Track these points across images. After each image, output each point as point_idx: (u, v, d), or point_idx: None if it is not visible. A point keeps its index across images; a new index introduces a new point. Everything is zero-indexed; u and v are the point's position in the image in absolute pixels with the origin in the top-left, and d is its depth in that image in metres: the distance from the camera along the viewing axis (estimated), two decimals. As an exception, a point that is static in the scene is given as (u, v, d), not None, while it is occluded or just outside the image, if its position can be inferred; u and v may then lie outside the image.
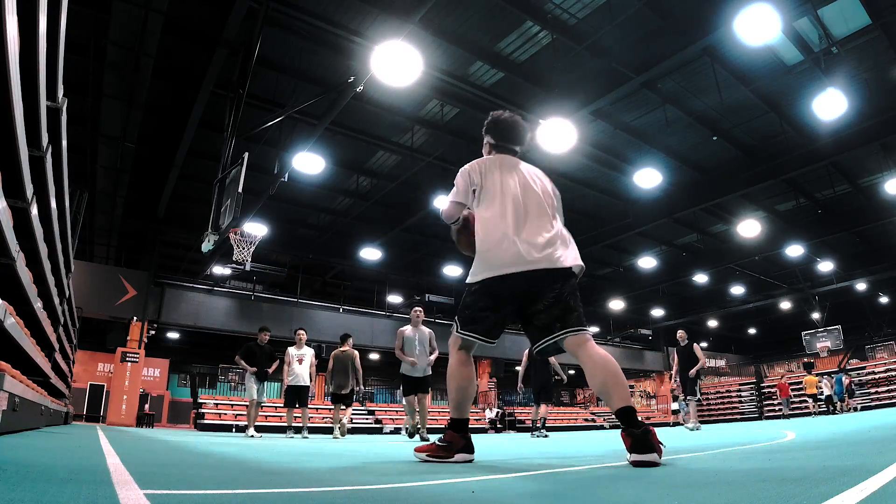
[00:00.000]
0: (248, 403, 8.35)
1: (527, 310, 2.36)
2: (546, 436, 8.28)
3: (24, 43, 2.50)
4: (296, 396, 8.10)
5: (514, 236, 2.36)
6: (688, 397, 9.11)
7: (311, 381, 8.21)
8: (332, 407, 8.93)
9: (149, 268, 15.03)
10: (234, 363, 8.92)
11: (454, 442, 2.41)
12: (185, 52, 9.07)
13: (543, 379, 8.68)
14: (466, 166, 2.61)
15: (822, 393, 17.92)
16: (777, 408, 22.41)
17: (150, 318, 14.75)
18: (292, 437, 7.58)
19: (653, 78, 9.63)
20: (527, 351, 8.90)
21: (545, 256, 2.33)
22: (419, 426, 6.88)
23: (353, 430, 9.53)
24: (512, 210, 2.42)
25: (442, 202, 2.60)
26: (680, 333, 9.40)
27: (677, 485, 1.44)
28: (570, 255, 2.40)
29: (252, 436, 7.74)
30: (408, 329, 6.94)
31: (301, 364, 8.11)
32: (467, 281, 2.49)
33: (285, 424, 8.33)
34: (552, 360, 8.78)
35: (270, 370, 8.02)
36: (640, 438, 1.90)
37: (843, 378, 18.81)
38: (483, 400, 21.85)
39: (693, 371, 8.87)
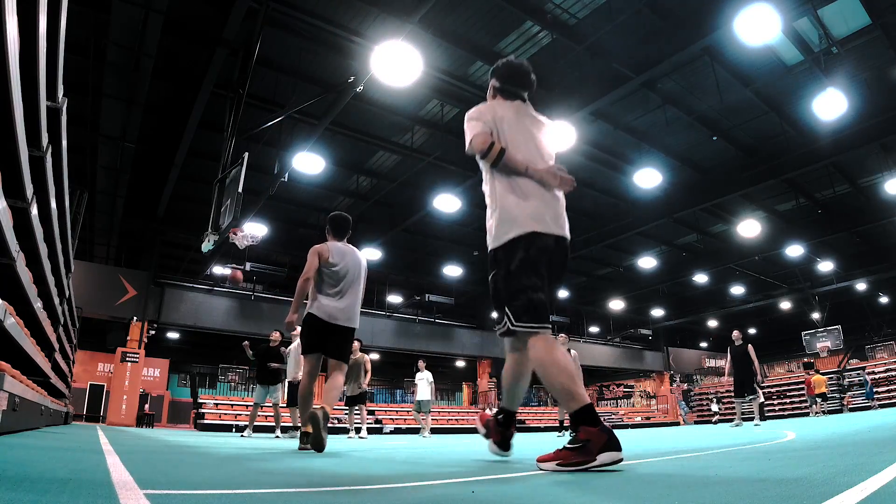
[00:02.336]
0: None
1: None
2: (559, 435, 8.39)
3: (24, 43, 2.50)
4: (290, 395, 8.06)
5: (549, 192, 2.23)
6: (749, 396, 9.23)
7: (299, 373, 7.89)
8: (346, 409, 8.99)
9: (149, 268, 15.03)
10: (233, 363, 8.93)
11: (592, 439, 1.86)
12: (185, 52, 9.07)
13: None
14: (474, 110, 2.40)
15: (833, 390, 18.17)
16: (779, 408, 22.40)
17: (150, 318, 14.74)
18: (278, 437, 7.50)
19: (653, 78, 9.63)
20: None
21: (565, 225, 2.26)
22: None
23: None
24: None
25: (471, 135, 2.27)
26: (735, 333, 9.56)
27: (677, 485, 1.44)
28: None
29: (242, 435, 7.82)
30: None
31: (289, 360, 8.05)
32: (509, 238, 2.14)
33: (289, 424, 8.29)
34: (574, 354, 8.87)
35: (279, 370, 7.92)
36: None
37: (868, 378, 19.20)
38: (483, 400, 21.86)
39: (759, 376, 9.16)
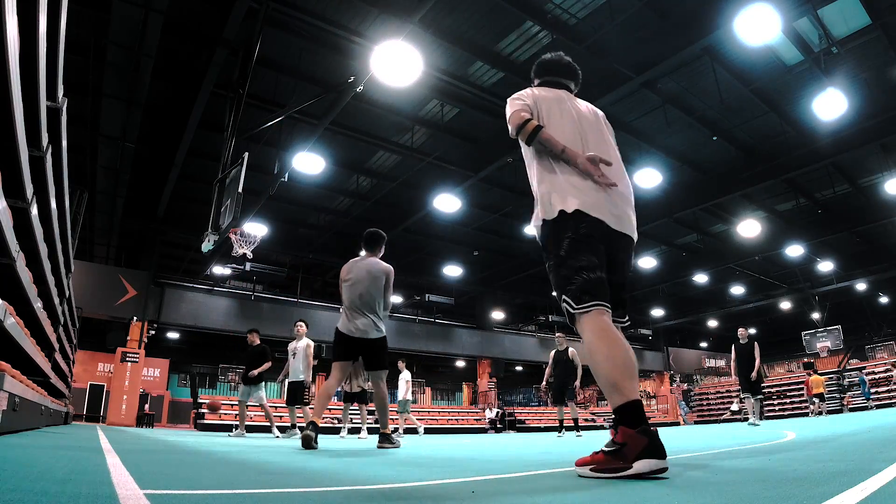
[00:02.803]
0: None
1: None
2: (579, 435, 8.35)
3: (24, 43, 2.50)
4: (291, 394, 7.86)
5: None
6: (755, 395, 9.08)
7: (309, 375, 7.80)
8: (342, 407, 8.94)
9: (149, 268, 15.02)
10: (233, 363, 8.85)
11: (628, 443, 1.62)
12: (185, 53, 9.06)
13: (564, 379, 8.73)
14: (514, 95, 2.28)
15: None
16: (779, 408, 22.39)
17: (150, 318, 14.73)
18: (278, 437, 7.38)
19: (653, 78, 9.62)
20: (552, 352, 9.00)
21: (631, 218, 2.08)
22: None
23: (351, 430, 9.50)
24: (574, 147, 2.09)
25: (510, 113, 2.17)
26: (741, 331, 9.42)
27: (677, 485, 1.44)
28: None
29: (230, 435, 7.84)
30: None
31: (294, 358, 7.79)
32: (551, 218, 1.99)
33: (286, 424, 8.20)
34: (572, 353, 8.77)
35: (256, 371, 7.68)
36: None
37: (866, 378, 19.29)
38: (483, 400, 21.86)
39: (754, 373, 8.97)
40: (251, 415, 14.45)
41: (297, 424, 7.82)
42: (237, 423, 7.98)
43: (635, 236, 2.09)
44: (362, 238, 4.55)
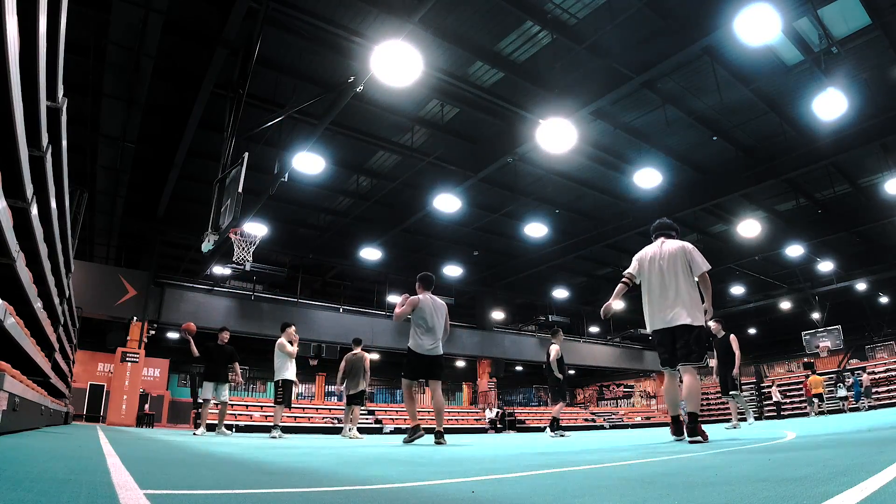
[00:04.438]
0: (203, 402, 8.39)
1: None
2: (563, 435, 8.06)
3: (24, 43, 2.50)
4: (287, 393, 7.94)
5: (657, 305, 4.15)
6: (731, 392, 8.34)
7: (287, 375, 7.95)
8: (345, 407, 8.91)
9: (149, 268, 15.02)
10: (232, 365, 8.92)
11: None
12: (185, 52, 9.06)
13: (553, 376, 8.33)
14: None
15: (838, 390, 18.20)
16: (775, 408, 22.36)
17: (150, 318, 14.73)
18: (273, 437, 7.41)
19: (653, 78, 9.62)
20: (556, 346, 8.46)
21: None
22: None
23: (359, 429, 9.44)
24: (651, 289, 4.20)
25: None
26: (714, 326, 8.47)
27: (677, 485, 1.44)
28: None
29: (195, 433, 8.02)
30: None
31: (291, 360, 7.98)
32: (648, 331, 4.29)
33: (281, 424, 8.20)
34: (556, 350, 8.38)
35: (233, 374, 7.88)
36: (691, 428, 3.83)
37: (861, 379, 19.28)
38: (483, 400, 21.86)
39: (736, 370, 8.25)
40: (252, 415, 14.46)
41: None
42: (245, 423, 7.99)
43: (681, 322, 3.98)
44: (419, 280, 5.62)
